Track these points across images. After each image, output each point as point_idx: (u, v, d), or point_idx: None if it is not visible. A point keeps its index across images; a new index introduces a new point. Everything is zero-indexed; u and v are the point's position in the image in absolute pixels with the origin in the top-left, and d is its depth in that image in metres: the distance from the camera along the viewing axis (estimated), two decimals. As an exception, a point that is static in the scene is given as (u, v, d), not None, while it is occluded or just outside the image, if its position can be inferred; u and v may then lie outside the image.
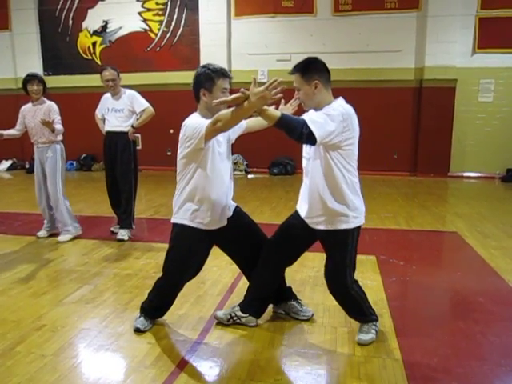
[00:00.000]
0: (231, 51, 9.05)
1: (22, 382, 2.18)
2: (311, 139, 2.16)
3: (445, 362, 2.36)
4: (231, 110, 2.20)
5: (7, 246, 4.38)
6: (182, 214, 2.49)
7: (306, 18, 8.66)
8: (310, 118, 2.20)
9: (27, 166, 9.78)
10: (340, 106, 2.31)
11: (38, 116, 4.37)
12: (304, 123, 2.15)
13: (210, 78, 2.39)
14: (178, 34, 9.24)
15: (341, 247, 2.45)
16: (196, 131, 2.31)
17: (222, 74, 2.41)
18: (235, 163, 9.05)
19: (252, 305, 2.73)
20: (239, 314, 2.72)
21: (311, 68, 2.35)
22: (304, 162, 2.53)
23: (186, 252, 2.54)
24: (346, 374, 2.26)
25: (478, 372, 2.27)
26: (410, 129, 8.65)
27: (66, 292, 3.28)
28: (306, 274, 3.58)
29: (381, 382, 2.18)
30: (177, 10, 9.15)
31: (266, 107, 2.16)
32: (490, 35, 8.08)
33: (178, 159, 2.48)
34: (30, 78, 4.37)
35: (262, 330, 2.69)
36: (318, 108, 2.35)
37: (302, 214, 2.52)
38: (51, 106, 4.43)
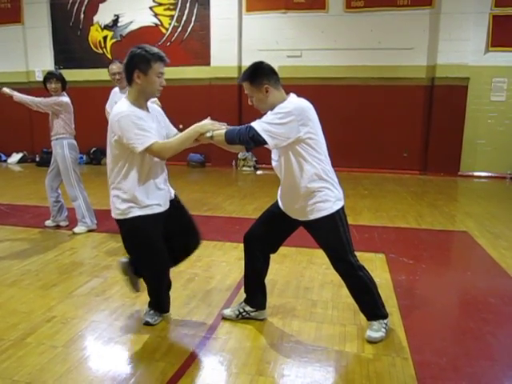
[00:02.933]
0: (242, 47, 9.02)
1: (32, 372, 2.20)
2: (261, 143, 2.28)
3: (454, 361, 2.34)
4: (175, 141, 2.34)
5: (17, 238, 4.42)
6: (128, 208, 2.39)
7: (317, 15, 8.60)
8: (262, 126, 2.25)
9: (37, 159, 9.87)
10: (289, 103, 2.33)
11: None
12: (247, 130, 2.25)
13: (145, 59, 2.30)
14: (189, 29, 9.24)
15: (334, 232, 2.45)
16: (132, 139, 2.24)
17: (159, 57, 2.33)
18: (244, 159, 9.05)
19: (256, 298, 2.74)
20: (248, 308, 2.73)
21: (259, 74, 2.37)
22: (274, 163, 2.54)
23: (149, 240, 2.46)
24: (354, 371, 2.25)
25: (488, 372, 2.25)
26: (420, 127, 8.58)
27: (75, 284, 3.31)
28: (316, 271, 3.57)
29: (390, 380, 2.18)
30: (188, 4, 9.14)
31: (211, 133, 2.34)
32: (504, 33, 7.97)
33: (108, 152, 2.42)
34: (49, 76, 4.48)
35: (271, 326, 2.69)
36: (272, 108, 2.38)
37: (284, 209, 2.55)
38: (59, 98, 4.46)
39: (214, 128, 2.36)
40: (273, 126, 2.25)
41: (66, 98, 4.53)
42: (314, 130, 2.35)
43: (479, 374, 2.24)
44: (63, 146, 4.51)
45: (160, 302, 2.75)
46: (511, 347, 2.50)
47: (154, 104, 2.62)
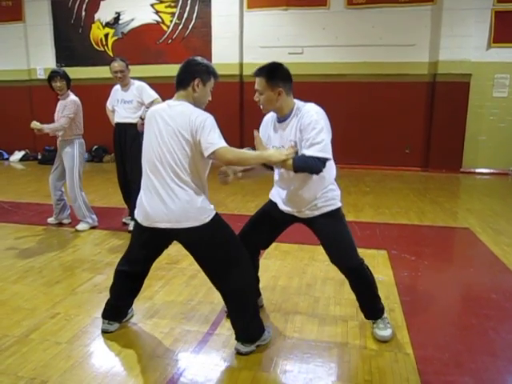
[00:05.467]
0: (243, 44, 9.01)
1: (36, 368, 2.22)
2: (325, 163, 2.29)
3: (457, 357, 2.35)
4: (245, 153, 2.28)
5: (21, 236, 4.43)
6: (211, 206, 2.33)
7: (318, 11, 8.58)
8: (313, 144, 2.25)
9: (39, 156, 9.88)
10: (315, 112, 2.31)
11: (60, 111, 4.49)
12: (319, 162, 2.25)
13: (209, 72, 2.34)
14: (190, 27, 9.22)
15: (340, 222, 2.48)
16: (215, 139, 2.17)
17: (217, 75, 2.39)
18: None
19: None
20: None
21: (277, 75, 2.34)
22: (280, 170, 2.50)
23: (229, 226, 2.42)
24: (357, 366, 2.26)
25: (490, 368, 2.26)
26: (422, 124, 8.57)
27: (79, 281, 3.32)
28: (318, 267, 3.58)
29: (392, 375, 2.18)
30: (189, 1, 9.10)
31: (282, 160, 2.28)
32: (506, 29, 7.93)
33: (184, 156, 2.22)
34: (53, 75, 4.42)
35: (274, 322, 2.70)
36: (277, 111, 2.40)
37: (290, 210, 2.52)
38: (69, 101, 4.45)
39: (282, 158, 2.27)
40: (326, 142, 2.27)
41: (73, 98, 4.50)
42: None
43: (481, 369, 2.25)
44: (74, 145, 4.51)
45: (258, 320, 2.45)
46: (513, 343, 2.51)
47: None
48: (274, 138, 2.47)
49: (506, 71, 8.15)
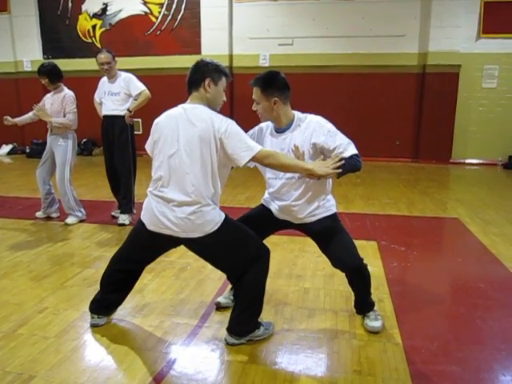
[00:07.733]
0: (232, 35, 8.94)
1: (24, 363, 2.20)
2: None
3: (445, 346, 2.37)
4: (293, 160, 2.27)
5: (8, 230, 4.39)
6: (214, 220, 2.22)
7: (308, 2, 8.52)
8: (346, 147, 2.31)
9: (28, 150, 9.75)
10: (325, 122, 2.42)
11: (55, 105, 4.43)
12: (356, 156, 2.31)
13: (219, 70, 2.30)
14: (179, 18, 9.12)
15: (338, 225, 2.51)
16: (247, 143, 2.16)
17: (227, 73, 2.36)
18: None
19: None
20: None
21: (272, 85, 2.33)
22: (277, 182, 2.46)
23: (235, 221, 2.40)
24: (346, 357, 2.27)
25: (477, 356, 2.28)
26: (412, 115, 8.59)
27: (67, 275, 3.30)
28: (308, 259, 3.59)
29: (381, 365, 2.20)
30: (178, -8, 9.02)
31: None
32: (495, 20, 7.96)
33: (201, 165, 2.16)
34: (38, 73, 4.36)
35: (264, 314, 2.68)
36: (275, 121, 2.41)
37: (285, 217, 2.52)
38: (66, 95, 4.40)
39: (330, 172, 2.23)
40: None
41: (69, 93, 4.45)
42: None
43: (469, 358, 2.27)
44: (67, 139, 4.46)
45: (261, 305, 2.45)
46: (500, 331, 2.54)
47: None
48: (272, 144, 2.44)
49: (495, 62, 8.18)
